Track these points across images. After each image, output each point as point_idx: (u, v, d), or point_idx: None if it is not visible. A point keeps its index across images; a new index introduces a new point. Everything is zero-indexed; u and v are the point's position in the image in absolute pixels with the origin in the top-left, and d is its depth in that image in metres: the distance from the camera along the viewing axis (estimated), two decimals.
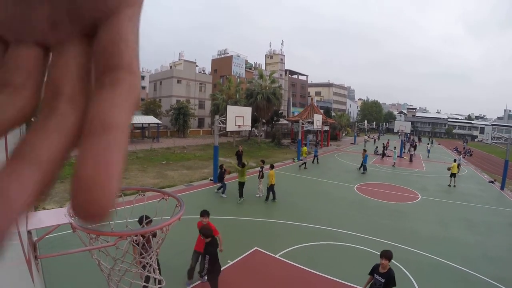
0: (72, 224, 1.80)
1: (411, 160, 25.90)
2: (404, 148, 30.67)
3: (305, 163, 19.37)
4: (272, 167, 11.97)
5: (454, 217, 10.81)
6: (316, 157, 21.45)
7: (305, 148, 20.20)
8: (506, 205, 13.01)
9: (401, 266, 6.70)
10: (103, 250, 2.01)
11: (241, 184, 11.30)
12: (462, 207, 12.31)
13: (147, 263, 2.44)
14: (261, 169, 12.36)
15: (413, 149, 28.89)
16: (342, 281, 5.98)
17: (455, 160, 17.20)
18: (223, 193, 11.95)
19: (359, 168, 19.23)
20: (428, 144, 36.91)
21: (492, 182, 18.26)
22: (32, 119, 0.22)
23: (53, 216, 1.89)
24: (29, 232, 1.61)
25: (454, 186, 16.03)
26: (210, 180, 14.28)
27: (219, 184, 12.35)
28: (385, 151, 27.12)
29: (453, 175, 16.18)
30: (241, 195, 11.26)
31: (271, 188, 11.33)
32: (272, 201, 11.38)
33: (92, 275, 5.25)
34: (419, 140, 51.98)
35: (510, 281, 6.36)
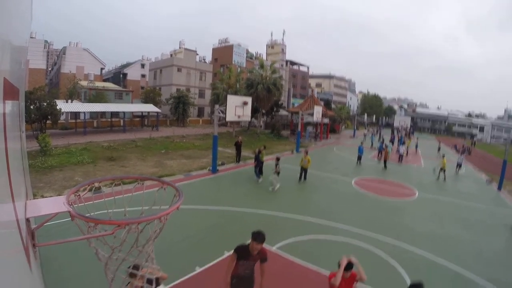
0: (71, 212, 1.80)
1: (400, 160, 22.34)
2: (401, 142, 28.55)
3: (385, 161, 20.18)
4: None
5: (450, 215, 10.88)
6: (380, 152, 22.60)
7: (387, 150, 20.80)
8: (503, 206, 13.08)
9: (395, 263, 6.79)
10: (101, 238, 2.01)
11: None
12: (459, 205, 12.37)
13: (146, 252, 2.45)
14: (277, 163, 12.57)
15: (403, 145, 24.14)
16: None
17: (443, 156, 18.00)
18: (259, 177, 13.38)
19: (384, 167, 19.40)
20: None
21: (489, 181, 18.33)
22: None
23: (52, 204, 1.87)
24: (27, 220, 1.60)
25: (444, 180, 16.98)
26: (209, 170, 14.31)
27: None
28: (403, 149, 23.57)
29: (442, 170, 17.35)
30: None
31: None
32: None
33: (89, 263, 5.29)
34: (409, 134, 45.78)
35: (503, 281, 6.44)
